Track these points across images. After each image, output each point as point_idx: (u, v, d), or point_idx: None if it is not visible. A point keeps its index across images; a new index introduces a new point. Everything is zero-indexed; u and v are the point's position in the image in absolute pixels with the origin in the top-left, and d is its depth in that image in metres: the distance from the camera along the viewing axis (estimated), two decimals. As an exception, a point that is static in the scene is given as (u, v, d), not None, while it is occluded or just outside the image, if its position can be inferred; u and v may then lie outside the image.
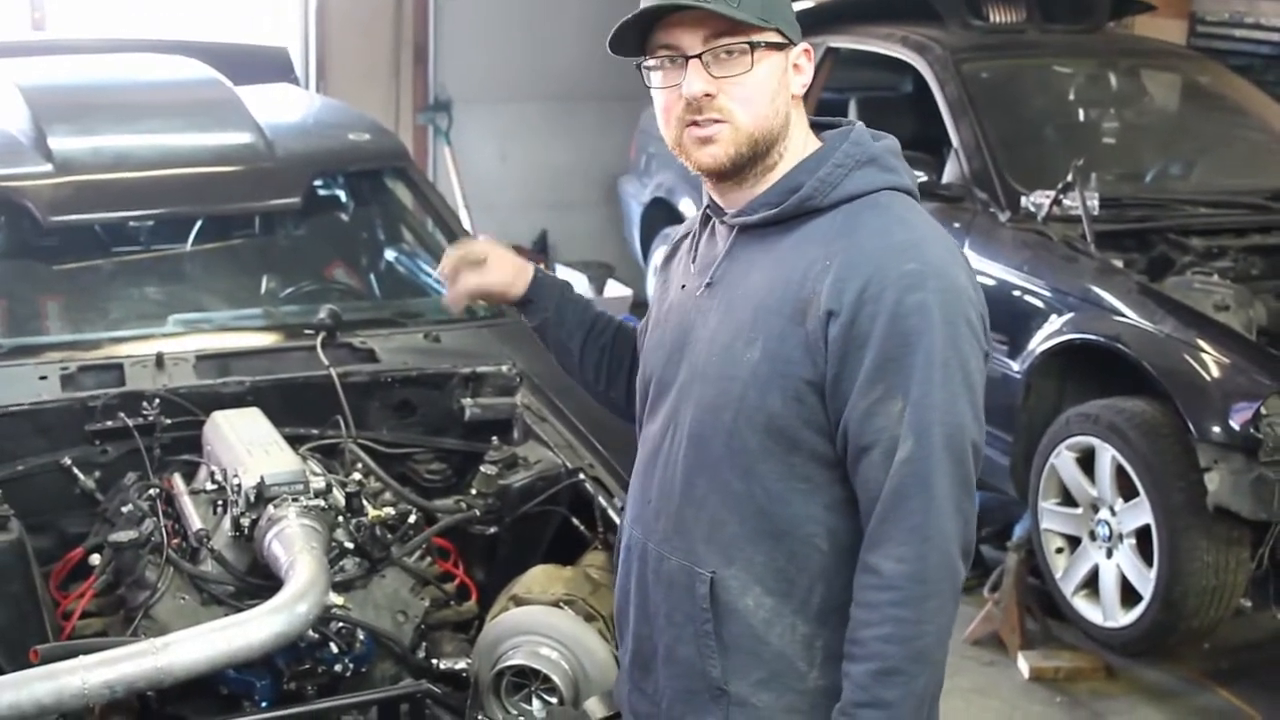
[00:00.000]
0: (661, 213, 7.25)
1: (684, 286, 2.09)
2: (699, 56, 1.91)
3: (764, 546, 1.94)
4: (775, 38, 1.93)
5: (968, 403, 1.87)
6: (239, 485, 2.72)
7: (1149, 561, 4.31)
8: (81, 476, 3.06)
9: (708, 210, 2.10)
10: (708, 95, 1.91)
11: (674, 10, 1.91)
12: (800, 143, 1.99)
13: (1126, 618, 4.42)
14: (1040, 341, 4.72)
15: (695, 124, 1.94)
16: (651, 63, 1.96)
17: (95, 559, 2.85)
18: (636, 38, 1.97)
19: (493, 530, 3.07)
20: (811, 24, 6.10)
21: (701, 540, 1.98)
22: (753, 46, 1.90)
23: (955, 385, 1.85)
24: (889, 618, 1.83)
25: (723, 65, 1.91)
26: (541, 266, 2.47)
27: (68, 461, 3.07)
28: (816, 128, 2.04)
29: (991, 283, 4.86)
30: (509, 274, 2.38)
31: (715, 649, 1.98)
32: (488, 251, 2.39)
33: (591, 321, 2.40)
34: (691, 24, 1.91)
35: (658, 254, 7.04)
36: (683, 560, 2.00)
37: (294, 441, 3.01)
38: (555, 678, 2.56)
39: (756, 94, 1.92)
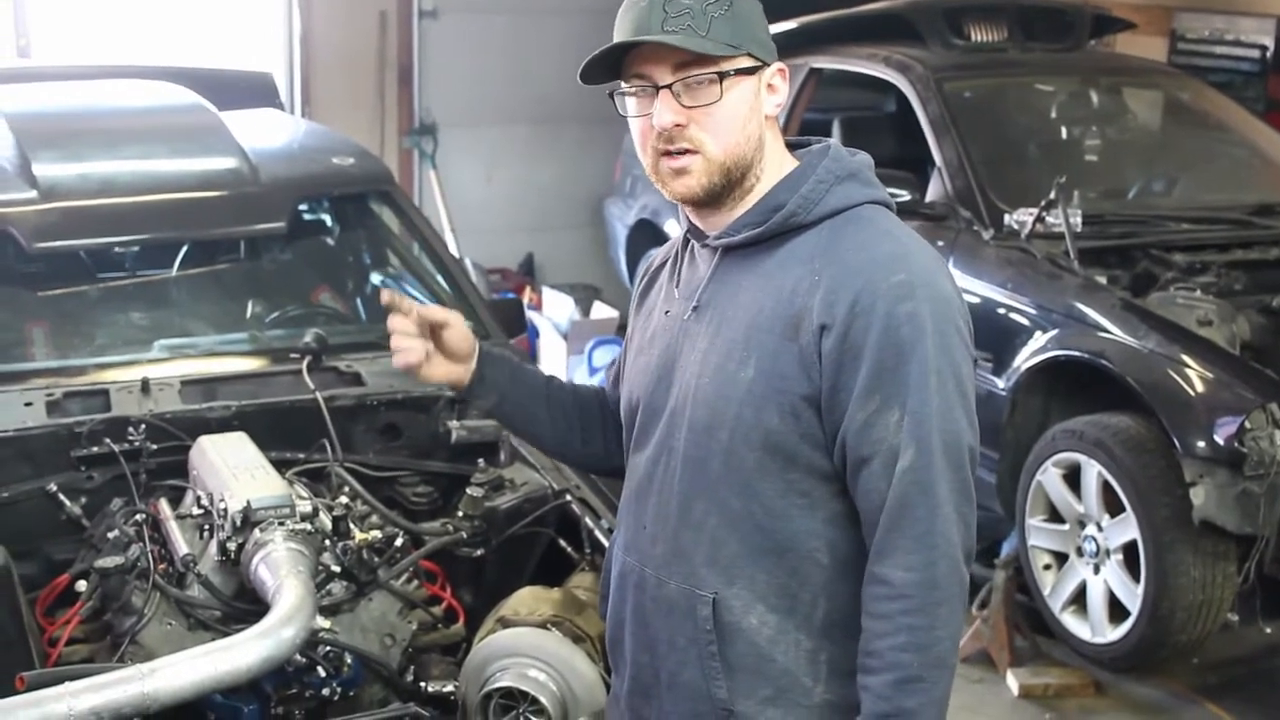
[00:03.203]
0: (647, 234, 7.26)
1: (668, 312, 2.09)
2: (669, 87, 1.92)
3: (765, 564, 1.95)
4: (746, 63, 1.93)
5: (962, 409, 1.89)
6: (225, 510, 2.71)
7: (1136, 577, 4.32)
8: (67, 502, 3.05)
9: (688, 234, 2.09)
10: (678, 125, 1.92)
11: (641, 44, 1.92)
12: (777, 163, 2.00)
13: (1114, 633, 4.43)
14: (1025, 359, 4.74)
15: (669, 154, 1.94)
16: (626, 87, 1.97)
17: (81, 585, 2.84)
18: (610, 65, 1.97)
19: (480, 552, 3.07)
20: (794, 44, 6.14)
21: (702, 563, 1.98)
22: (722, 76, 1.91)
23: (950, 392, 1.87)
24: (903, 626, 1.85)
25: (693, 95, 1.92)
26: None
27: (53, 488, 3.07)
28: (791, 147, 2.05)
29: (976, 300, 4.87)
30: (466, 350, 2.25)
31: (720, 670, 1.98)
32: (446, 319, 2.23)
33: (546, 382, 2.33)
34: (661, 54, 1.92)
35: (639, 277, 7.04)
36: (683, 584, 2.00)
37: (280, 466, 3.00)
38: (543, 699, 2.55)
39: (727, 122, 1.93)
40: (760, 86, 1.96)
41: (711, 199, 1.98)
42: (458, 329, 2.24)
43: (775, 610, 1.95)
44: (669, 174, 1.96)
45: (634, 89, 1.96)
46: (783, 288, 1.93)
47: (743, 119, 1.94)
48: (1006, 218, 5.06)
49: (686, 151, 1.93)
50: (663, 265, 2.19)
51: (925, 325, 1.86)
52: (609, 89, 2.00)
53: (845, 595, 1.93)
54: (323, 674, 2.62)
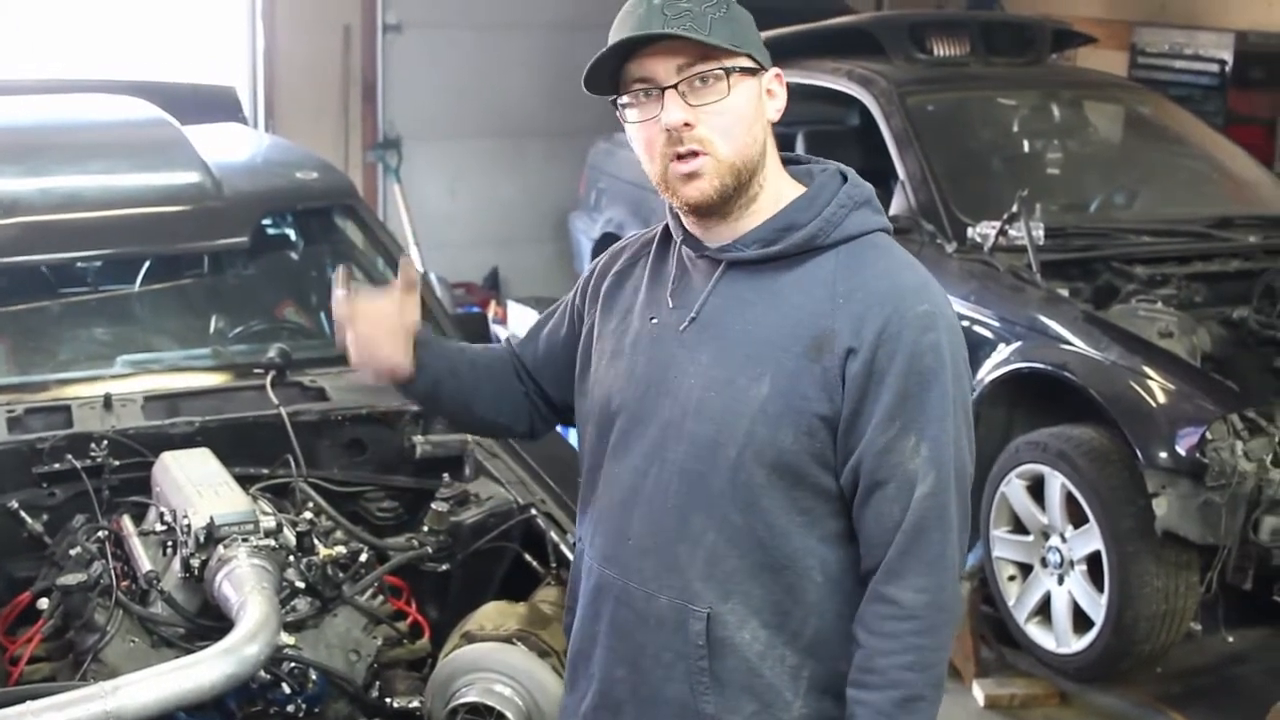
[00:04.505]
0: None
1: (654, 319, 2.05)
2: (674, 86, 1.90)
3: (763, 579, 1.95)
4: (748, 63, 1.93)
5: (968, 437, 1.94)
6: (189, 526, 2.70)
7: (1100, 587, 4.35)
8: (29, 520, 3.03)
9: (683, 244, 2.04)
10: (687, 125, 1.90)
11: (647, 42, 1.90)
12: (775, 173, 1.99)
13: (1079, 644, 4.45)
14: (988, 371, 4.76)
15: (679, 158, 1.91)
16: (626, 99, 1.94)
17: (43, 603, 2.82)
18: (609, 76, 1.95)
19: (445, 567, 3.06)
20: (758, 59, 6.16)
21: (697, 577, 1.97)
22: (728, 72, 1.90)
23: (961, 421, 1.91)
24: (911, 646, 1.88)
25: (699, 94, 1.90)
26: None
27: (15, 505, 3.04)
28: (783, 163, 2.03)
29: (940, 313, 4.89)
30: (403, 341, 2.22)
31: (709, 685, 1.97)
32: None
33: (472, 358, 2.33)
34: (664, 55, 1.90)
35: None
36: (675, 598, 1.98)
37: (244, 481, 2.99)
38: (509, 714, 2.55)
39: (735, 121, 1.91)
40: (761, 90, 1.95)
41: (723, 203, 1.94)
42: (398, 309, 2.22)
43: (768, 625, 1.95)
44: (680, 180, 1.93)
45: (634, 96, 1.93)
46: (800, 308, 1.92)
47: (749, 119, 1.93)
48: (969, 231, 5.09)
49: (696, 154, 1.91)
50: (633, 265, 2.15)
51: (945, 356, 1.89)
52: (602, 100, 1.98)
53: (832, 613, 1.95)
54: (287, 690, 2.62)
